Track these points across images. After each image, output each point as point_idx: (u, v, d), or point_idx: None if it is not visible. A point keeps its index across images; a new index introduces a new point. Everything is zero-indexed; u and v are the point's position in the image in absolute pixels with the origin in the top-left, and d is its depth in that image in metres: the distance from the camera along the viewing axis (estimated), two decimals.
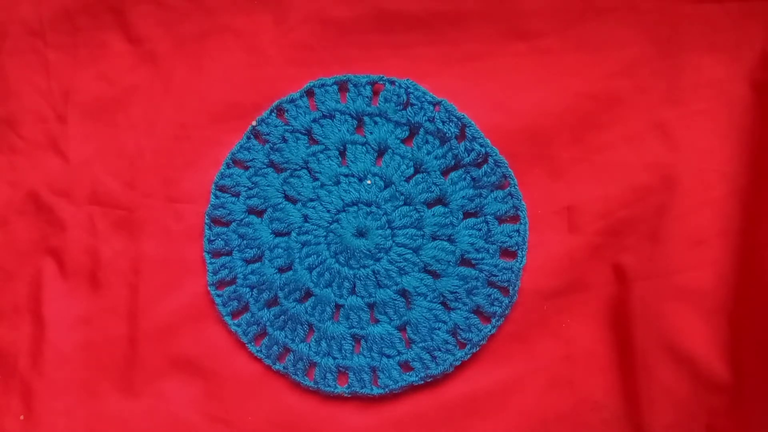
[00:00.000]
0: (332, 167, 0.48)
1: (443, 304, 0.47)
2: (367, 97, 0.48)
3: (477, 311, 0.47)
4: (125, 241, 0.49)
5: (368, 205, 0.48)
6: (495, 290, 0.46)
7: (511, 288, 0.46)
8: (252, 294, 0.48)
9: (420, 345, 0.46)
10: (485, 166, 0.47)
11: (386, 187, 0.48)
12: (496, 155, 0.47)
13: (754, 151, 0.45)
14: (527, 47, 0.48)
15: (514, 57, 0.48)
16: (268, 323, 0.48)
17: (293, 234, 0.48)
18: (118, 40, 0.51)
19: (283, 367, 0.47)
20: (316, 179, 0.48)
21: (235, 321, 0.48)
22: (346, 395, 0.47)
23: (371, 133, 0.48)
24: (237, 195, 0.49)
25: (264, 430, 0.47)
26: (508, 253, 0.47)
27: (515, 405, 0.46)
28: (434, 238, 0.47)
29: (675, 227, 0.45)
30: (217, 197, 0.49)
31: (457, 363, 0.46)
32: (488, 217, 0.47)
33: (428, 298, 0.47)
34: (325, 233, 0.48)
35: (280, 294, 0.48)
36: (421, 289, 0.47)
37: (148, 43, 0.50)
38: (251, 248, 0.48)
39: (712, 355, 0.44)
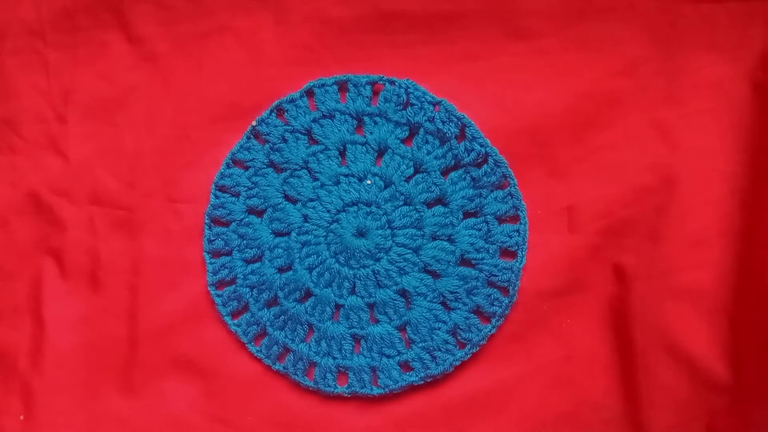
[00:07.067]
0: (332, 167, 0.48)
1: (443, 304, 0.47)
2: (367, 97, 0.48)
3: (477, 311, 0.47)
4: (125, 241, 0.49)
5: (368, 205, 0.48)
6: (495, 290, 0.46)
7: (511, 288, 0.46)
8: (252, 294, 0.48)
9: (420, 345, 0.46)
10: (485, 166, 0.47)
11: (386, 187, 0.48)
12: (496, 155, 0.47)
13: (754, 151, 0.45)
14: (527, 47, 0.48)
15: (514, 57, 0.48)
16: (268, 323, 0.48)
17: (293, 234, 0.48)
18: (118, 40, 0.51)
19: (283, 367, 0.47)
20: (316, 179, 0.48)
21: (235, 321, 0.48)
22: (346, 395, 0.47)
23: (371, 133, 0.48)
24: (237, 195, 0.49)
25: (264, 430, 0.47)
26: (508, 253, 0.47)
27: (515, 405, 0.46)
28: (434, 238, 0.47)
29: (675, 227, 0.45)
30: (217, 197, 0.49)
31: (457, 363, 0.46)
32: (488, 217, 0.47)
33: (428, 298, 0.47)
34: (325, 233, 0.48)
35: (280, 294, 0.48)
36: (421, 289, 0.47)
37: (148, 43, 0.50)
38: (251, 248, 0.48)
39: (712, 355, 0.44)
